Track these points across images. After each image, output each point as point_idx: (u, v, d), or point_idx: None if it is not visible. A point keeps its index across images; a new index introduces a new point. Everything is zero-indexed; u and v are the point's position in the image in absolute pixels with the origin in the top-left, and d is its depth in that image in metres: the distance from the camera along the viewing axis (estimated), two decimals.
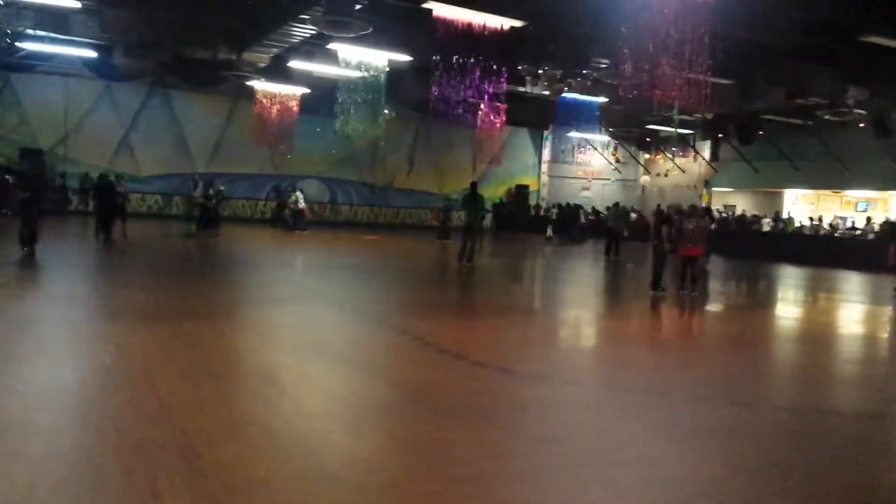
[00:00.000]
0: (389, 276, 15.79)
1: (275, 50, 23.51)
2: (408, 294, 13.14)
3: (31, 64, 25.15)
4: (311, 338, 8.37)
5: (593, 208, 35.89)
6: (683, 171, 34.99)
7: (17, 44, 21.47)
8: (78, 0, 17.77)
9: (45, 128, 27.13)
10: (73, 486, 3.88)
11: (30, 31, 20.20)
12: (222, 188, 24.60)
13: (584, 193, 38.31)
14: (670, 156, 35.06)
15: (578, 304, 13.47)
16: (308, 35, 21.17)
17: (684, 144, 33.98)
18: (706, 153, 34.65)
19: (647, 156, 37.68)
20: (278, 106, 26.76)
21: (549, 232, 31.25)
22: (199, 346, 7.44)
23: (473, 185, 18.42)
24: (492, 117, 25.93)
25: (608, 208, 27.08)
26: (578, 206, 35.19)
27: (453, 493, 4.07)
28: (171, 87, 28.69)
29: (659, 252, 13.30)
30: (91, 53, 23.13)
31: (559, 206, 35.89)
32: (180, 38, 22.10)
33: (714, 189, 34.74)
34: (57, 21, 20.35)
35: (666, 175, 36.36)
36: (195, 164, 30.13)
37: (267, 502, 3.81)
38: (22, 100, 26.90)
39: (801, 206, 32.31)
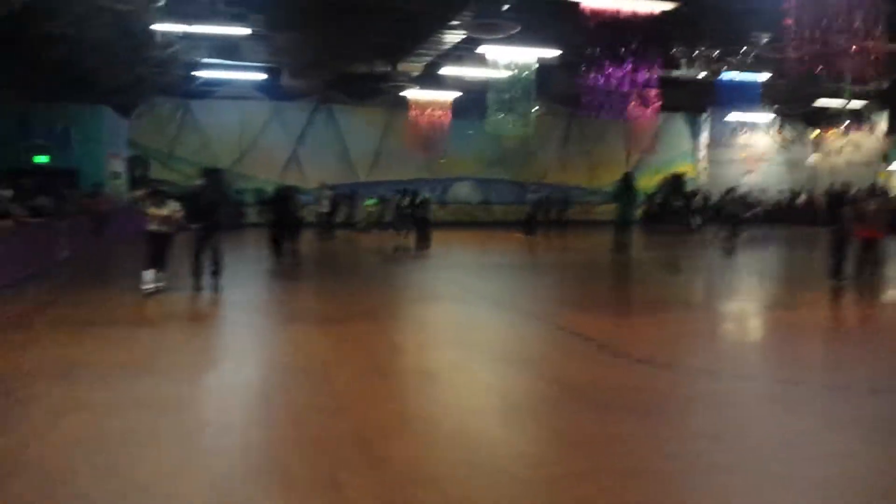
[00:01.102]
0: (544, 272, 15.84)
1: (427, 58, 24.19)
2: (563, 290, 13.16)
3: (208, 90, 27.40)
4: (472, 335, 8.63)
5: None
6: (857, 148, 32.41)
7: (195, 73, 23.54)
8: (246, 27, 19.18)
9: (223, 148, 29.44)
10: (264, 478, 4.27)
11: (205, 60, 22.07)
12: (428, 196, 22.47)
13: (749, 177, 36.38)
14: (842, 132, 32.57)
15: (745, 295, 12.92)
16: (458, 40, 21.64)
17: (858, 118, 31.45)
18: (883, 126, 31.91)
19: (816, 133, 35.23)
20: (431, 112, 27.56)
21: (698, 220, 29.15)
22: (367, 345, 7.90)
23: (627, 175, 18.05)
24: (645, 106, 25.29)
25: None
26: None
27: (625, 489, 4.06)
28: (334, 103, 30.30)
29: (839, 237, 12.36)
30: (261, 76, 24.94)
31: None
32: (340, 56, 23.27)
33: (894, 166, 31.95)
34: (228, 48, 22.08)
35: (838, 153, 33.85)
36: (357, 173, 31.57)
37: (438, 495, 3.99)
38: (201, 124, 29.35)
39: None
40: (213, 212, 11.28)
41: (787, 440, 4.96)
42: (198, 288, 11.06)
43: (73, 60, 18.17)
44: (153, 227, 10.84)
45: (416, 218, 18.80)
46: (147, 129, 27.97)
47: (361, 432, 4.96)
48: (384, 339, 8.42)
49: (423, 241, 18.73)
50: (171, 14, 17.32)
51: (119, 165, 25.08)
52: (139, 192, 14.29)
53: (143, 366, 6.78)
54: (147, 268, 10.71)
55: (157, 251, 10.84)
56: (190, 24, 18.04)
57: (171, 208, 10.91)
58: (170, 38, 19.12)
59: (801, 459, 4.57)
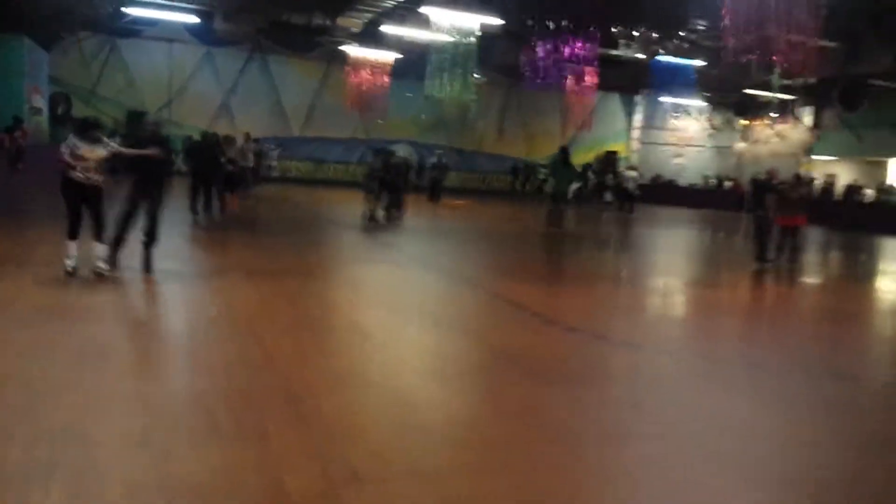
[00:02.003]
0: (479, 240, 15.89)
1: (368, 15, 23.76)
2: (498, 258, 13.21)
3: (137, 29, 26.21)
4: (407, 298, 8.57)
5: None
6: (783, 139, 33.57)
7: (123, 9, 22.44)
8: None
9: (150, 91, 28.31)
10: (188, 428, 4.14)
11: None
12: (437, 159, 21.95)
13: (678, 160, 37.31)
14: (769, 122, 33.65)
15: (671, 272, 13.25)
16: None
17: (784, 110, 32.53)
18: (807, 120, 33.12)
19: (744, 122, 36.30)
20: (370, 71, 27.10)
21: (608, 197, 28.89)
22: (298, 302, 7.76)
23: (564, 149, 18.15)
24: (583, 82, 25.49)
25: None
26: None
27: (549, 454, 4.11)
28: (269, 52, 29.44)
29: (762, 222, 12.84)
30: (193, 19, 23.97)
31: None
32: (277, 3, 22.58)
33: (815, 157, 33.23)
34: None
35: (765, 142, 34.98)
36: (291, 127, 30.91)
37: (367, 450, 3.96)
38: (128, 64, 28.12)
39: None
40: (158, 161, 8.45)
41: (704, 412, 5.08)
42: (113, 262, 8.27)
43: None
44: (78, 175, 7.69)
45: (387, 182, 16.72)
46: (70, 65, 26.65)
47: (291, 387, 4.87)
48: (317, 296, 8.28)
49: (395, 209, 17.34)
50: None
51: (40, 101, 23.83)
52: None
53: (66, 310, 6.46)
54: (71, 236, 7.79)
55: (84, 210, 7.90)
56: None
57: (106, 149, 7.92)
58: None
59: (716, 430, 4.68)
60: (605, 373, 5.96)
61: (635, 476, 3.97)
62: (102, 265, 7.88)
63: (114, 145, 8.19)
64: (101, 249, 7.91)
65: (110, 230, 8.12)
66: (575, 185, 22.37)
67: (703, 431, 4.67)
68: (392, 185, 16.83)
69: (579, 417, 4.77)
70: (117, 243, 8.32)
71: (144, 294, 7.87)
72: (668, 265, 14.37)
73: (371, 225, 15.64)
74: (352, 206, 18.26)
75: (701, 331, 8.24)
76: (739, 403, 5.32)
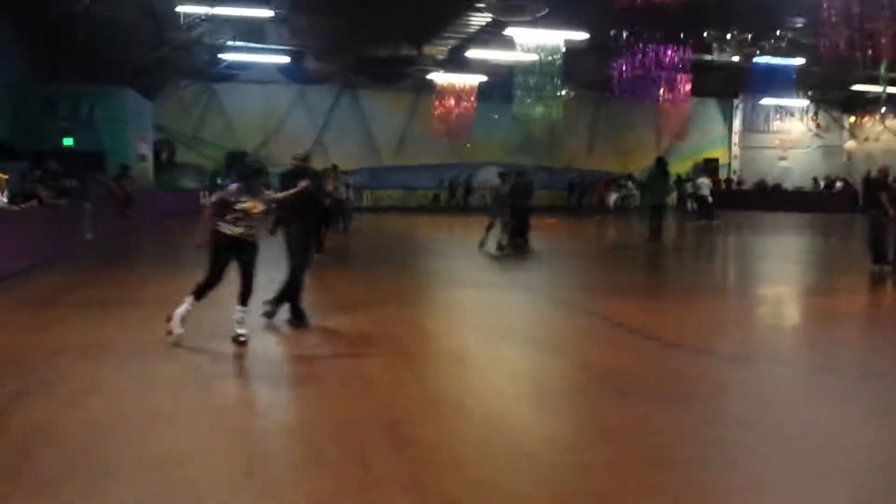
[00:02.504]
0: (572, 258, 15.57)
1: (452, 42, 23.99)
2: (594, 275, 12.91)
3: (233, 74, 27.39)
4: (501, 321, 8.43)
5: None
6: (895, 134, 31.67)
7: (220, 55, 23.51)
8: (269, 9, 19.05)
9: (247, 132, 29.46)
10: (293, 458, 4.18)
11: (230, 43, 22.01)
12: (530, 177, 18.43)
13: (782, 163, 35.74)
14: (879, 118, 31.80)
15: (781, 281, 12.58)
16: (484, 23, 21.38)
17: (895, 104, 30.68)
18: None
19: (852, 119, 34.50)
20: (457, 96, 27.33)
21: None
22: (394, 327, 7.75)
23: (661, 160, 17.64)
24: (675, 90, 24.86)
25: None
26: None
27: (653, 477, 3.91)
28: (358, 87, 30.18)
29: (877, 222, 12.03)
30: (285, 59, 24.87)
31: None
32: (364, 38, 23.12)
33: None
34: (252, 32, 22.02)
35: (875, 139, 33.10)
36: (382, 158, 31.48)
37: (467, 477, 3.87)
38: (226, 107, 29.38)
39: None
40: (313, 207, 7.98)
41: (821, 428, 4.75)
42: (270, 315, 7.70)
43: (98, 41, 18.19)
44: (235, 229, 6.59)
45: (515, 207, 14.82)
46: (172, 112, 28.06)
47: (389, 415, 4.85)
48: (410, 323, 8.25)
49: (521, 236, 15.16)
50: None
51: (145, 148, 25.15)
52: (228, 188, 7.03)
53: (165, 345, 6.67)
54: (199, 296, 6.73)
55: (242, 274, 6.76)
56: (213, 5, 17.96)
57: (266, 199, 6.86)
58: (193, 20, 19.06)
59: (837, 448, 4.38)
60: (711, 388, 5.65)
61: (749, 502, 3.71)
62: (243, 330, 6.70)
63: (272, 194, 7.04)
64: (243, 313, 6.73)
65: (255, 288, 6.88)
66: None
67: (820, 449, 4.38)
68: (520, 209, 15.01)
69: (684, 438, 4.54)
70: (281, 302, 7.55)
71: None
72: (778, 273, 13.67)
73: (497, 254, 14.29)
74: (443, 231, 18.26)
75: (815, 341, 7.76)
76: (858, 417, 4.98)
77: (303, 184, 7.17)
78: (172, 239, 18.44)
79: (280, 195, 7.17)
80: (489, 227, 14.81)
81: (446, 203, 32.60)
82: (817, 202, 30.87)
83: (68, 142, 20.53)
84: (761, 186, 34.55)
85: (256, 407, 5.17)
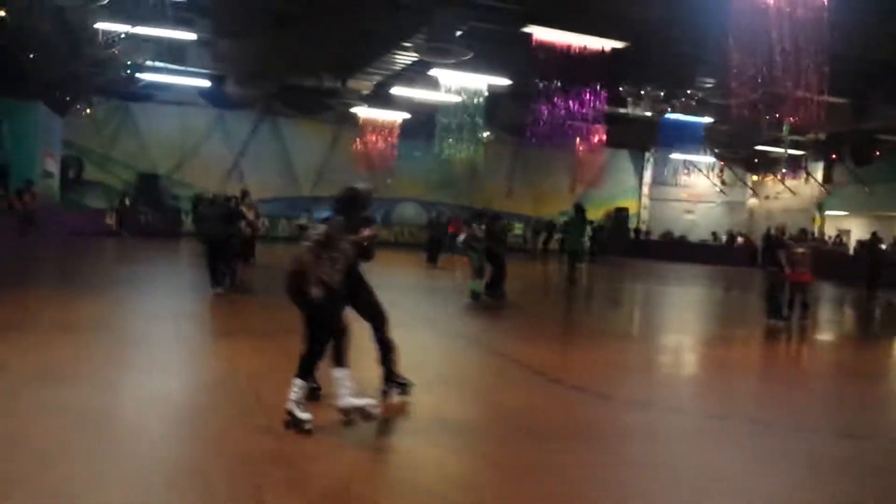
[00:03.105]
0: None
1: (377, 77, 24.15)
2: (501, 316, 13.05)
3: (150, 94, 26.68)
4: (407, 357, 8.39)
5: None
6: (794, 194, 33.55)
7: (137, 75, 22.91)
8: (193, 32, 18.76)
9: (161, 154, 28.72)
10: (184, 491, 4.06)
11: (149, 63, 21.50)
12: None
13: (688, 216, 37.27)
14: (780, 178, 33.68)
15: (681, 330, 13.04)
16: (410, 62, 21.63)
17: (795, 166, 32.57)
18: (818, 175, 33.12)
19: (755, 177, 36.38)
20: (380, 131, 27.48)
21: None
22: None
23: (579, 206, 18.09)
24: (591, 140, 25.68)
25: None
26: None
27: None
28: (280, 115, 29.91)
29: (774, 278, 12.66)
30: (205, 83, 24.45)
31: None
32: (288, 67, 23.01)
33: (827, 213, 33.13)
34: (173, 53, 21.59)
35: (776, 198, 34.97)
36: (300, 188, 31.18)
37: None
38: (140, 128, 28.58)
39: None
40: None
41: (713, 472, 4.94)
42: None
43: (9, 52, 17.46)
44: (335, 278, 5.32)
45: (491, 253, 13.49)
46: (83, 129, 27.07)
47: (288, 450, 4.76)
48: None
49: (499, 286, 13.60)
50: (115, 13, 16.81)
51: (52, 164, 24.18)
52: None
53: (65, 373, 6.39)
54: (339, 361, 5.49)
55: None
56: (134, 24, 17.54)
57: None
58: (112, 38, 18.57)
59: (725, 492, 4.56)
60: (610, 431, 5.80)
61: None
62: (365, 402, 5.33)
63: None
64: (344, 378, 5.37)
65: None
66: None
67: (710, 491, 4.55)
68: (495, 255, 13.55)
69: (581, 478, 4.64)
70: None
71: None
72: (679, 322, 14.18)
73: (471, 304, 13.32)
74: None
75: (710, 389, 8.06)
76: (747, 462, 5.17)
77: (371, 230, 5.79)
78: (75, 259, 17.73)
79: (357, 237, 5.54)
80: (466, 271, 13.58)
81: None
82: (719, 255, 32.26)
83: None
84: (668, 237, 35.90)
85: (152, 440, 4.95)
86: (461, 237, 15.04)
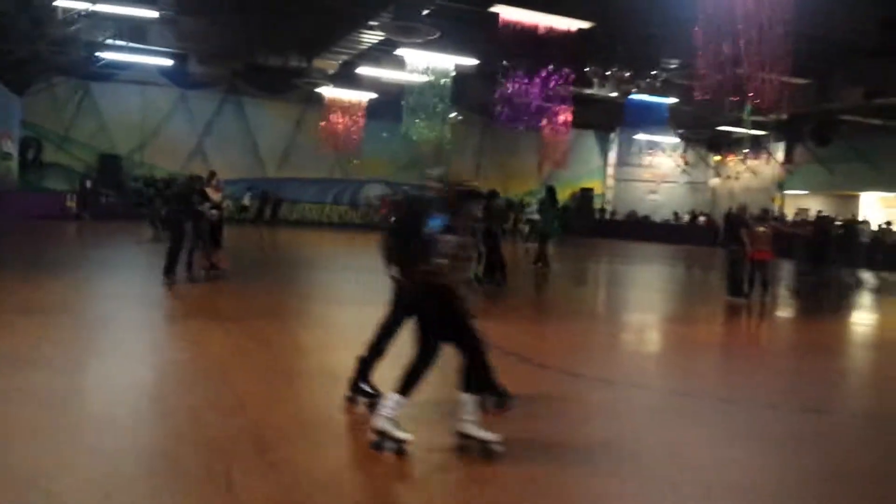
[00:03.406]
0: None
1: (344, 57, 23.91)
2: (475, 297, 13.11)
3: (110, 73, 26.17)
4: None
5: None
6: (755, 174, 34.06)
7: (98, 54, 22.43)
8: (155, 10, 18.40)
9: (122, 134, 28.19)
10: (154, 477, 4.04)
11: (109, 41, 21.05)
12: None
13: (652, 196, 37.68)
14: (742, 158, 34.15)
15: (646, 309, 13.24)
16: (376, 41, 21.46)
17: (757, 146, 33.06)
18: (780, 155, 33.66)
19: (717, 158, 36.85)
20: (346, 111, 27.26)
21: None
22: (271, 344, 7.62)
23: (551, 188, 18.13)
24: (557, 121, 25.75)
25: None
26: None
27: (521, 490, 4.09)
28: (244, 95, 29.52)
29: (737, 257, 12.91)
30: (167, 62, 24.01)
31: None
32: (252, 46, 22.69)
33: (787, 192, 33.73)
34: (134, 31, 21.16)
35: (737, 178, 35.48)
36: (266, 169, 30.86)
37: (339, 498, 3.90)
38: (101, 108, 28.01)
39: (879, 209, 31.02)
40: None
41: (677, 448, 5.05)
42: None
43: None
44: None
45: (490, 234, 12.74)
46: (42, 110, 26.48)
47: (260, 433, 4.76)
48: (287, 339, 8.15)
49: (500, 270, 13.09)
50: None
51: (10, 146, 23.62)
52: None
53: (28, 357, 6.31)
54: (485, 385, 5.28)
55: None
56: (95, 2, 17.15)
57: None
58: (72, 16, 18.13)
59: (685, 468, 4.66)
60: (576, 410, 5.88)
61: None
62: (491, 437, 4.60)
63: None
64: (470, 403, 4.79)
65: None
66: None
67: (665, 466, 4.67)
68: (493, 236, 12.83)
69: (545, 454, 4.71)
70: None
71: None
72: (643, 301, 14.38)
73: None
74: (329, 246, 18.06)
75: (674, 366, 8.23)
76: (708, 438, 5.31)
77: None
78: (36, 242, 17.39)
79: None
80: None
81: (255, 217, 29.56)
82: (682, 234, 32.70)
83: None
84: (632, 217, 36.28)
85: (118, 424, 4.89)
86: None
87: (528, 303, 13.12)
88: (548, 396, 6.13)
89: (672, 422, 5.76)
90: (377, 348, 5.64)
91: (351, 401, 5.47)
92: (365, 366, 5.59)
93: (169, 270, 10.96)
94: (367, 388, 5.50)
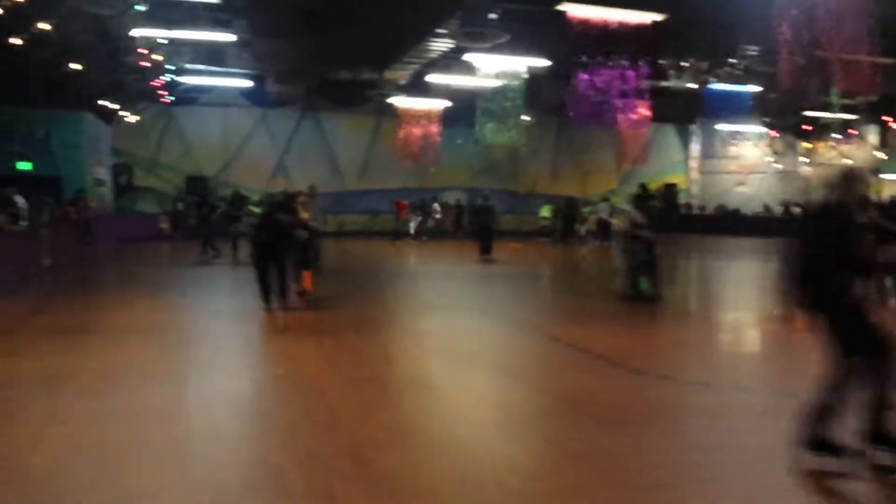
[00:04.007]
0: (539, 283, 15.64)
1: (414, 66, 24.08)
2: (560, 301, 12.96)
3: (193, 97, 27.15)
4: (466, 347, 8.39)
5: None
6: (849, 160, 32.54)
7: (179, 79, 23.29)
8: (231, 33, 18.95)
9: (207, 156, 29.17)
10: (258, 491, 4.09)
11: (189, 66, 21.83)
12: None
13: (740, 188, 36.42)
14: (832, 144, 32.70)
15: (743, 306, 12.79)
16: (446, 49, 21.52)
17: (847, 130, 31.59)
18: (872, 139, 32.07)
19: (807, 145, 35.41)
20: (420, 121, 27.47)
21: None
22: (361, 355, 7.70)
23: (645, 186, 17.46)
24: (635, 116, 25.27)
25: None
26: None
27: (623, 501, 3.97)
28: (320, 110, 30.12)
29: None
30: (246, 83, 24.75)
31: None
32: (325, 62, 23.12)
33: (884, 176, 32.07)
34: (213, 55, 21.86)
35: (829, 164, 34.01)
36: (346, 182, 31.37)
37: None
38: (185, 131, 29.07)
39: None
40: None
41: (781, 450, 4.77)
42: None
43: (54, 65, 17.88)
44: None
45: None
46: (130, 136, 27.65)
47: (357, 445, 4.80)
48: (377, 350, 8.20)
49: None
50: (153, 19, 17.04)
51: (103, 172, 24.76)
52: None
53: (127, 375, 6.57)
54: None
55: None
56: (172, 29, 17.77)
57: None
58: (152, 44, 18.86)
59: (796, 470, 4.45)
60: (673, 415, 5.72)
61: None
62: None
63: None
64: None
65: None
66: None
67: (780, 470, 4.43)
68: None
69: (649, 461, 4.59)
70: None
71: None
72: (739, 298, 13.89)
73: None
74: (406, 256, 18.13)
75: (774, 366, 7.88)
76: None
77: None
78: (131, 264, 18.14)
79: None
80: None
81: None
82: (776, 227, 31.41)
83: (24, 166, 20.10)
84: (721, 211, 35.16)
85: (221, 439, 5.03)
86: None
87: (611, 305, 12.80)
88: (644, 403, 5.96)
89: (778, 424, 5.47)
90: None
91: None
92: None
93: (264, 298, 10.24)
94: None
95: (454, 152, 30.55)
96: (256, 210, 14.66)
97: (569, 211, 27.81)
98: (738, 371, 7.47)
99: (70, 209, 18.73)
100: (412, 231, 26.95)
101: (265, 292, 10.20)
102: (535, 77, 22.98)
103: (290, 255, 10.75)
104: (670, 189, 35.82)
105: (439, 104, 27.03)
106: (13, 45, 15.11)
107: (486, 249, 18.56)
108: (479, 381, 6.69)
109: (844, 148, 32.22)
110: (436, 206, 27.75)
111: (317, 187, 13.56)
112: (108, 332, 8.74)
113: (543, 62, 21.54)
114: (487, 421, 5.49)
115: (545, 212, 26.95)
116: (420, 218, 27.35)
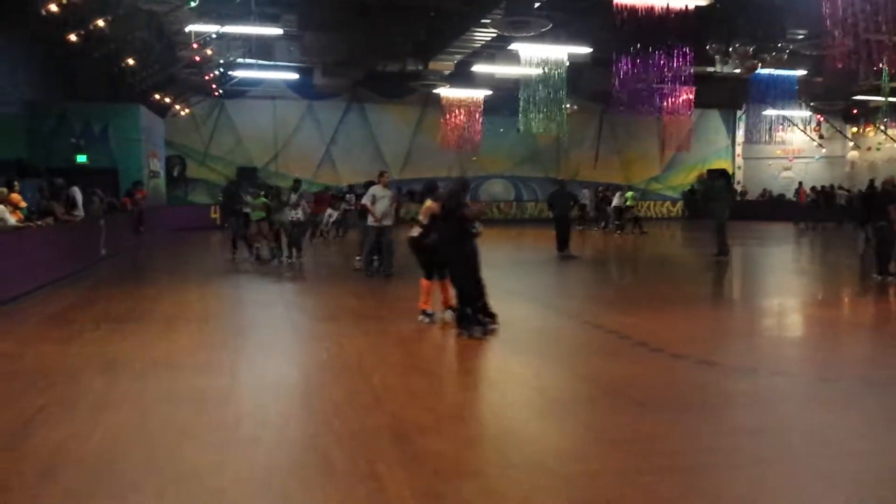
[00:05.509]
0: (582, 269, 15.71)
1: (458, 56, 24.23)
2: (602, 287, 13.05)
3: (243, 90, 27.76)
4: (508, 332, 8.54)
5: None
6: None
7: (230, 72, 23.85)
8: (280, 27, 19.41)
9: (257, 147, 29.78)
10: (303, 470, 4.30)
11: (239, 60, 22.35)
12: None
13: (786, 174, 35.83)
14: (882, 127, 31.90)
15: (782, 291, 12.73)
16: (489, 38, 21.65)
17: None
18: None
19: (854, 129, 34.61)
20: (463, 110, 27.65)
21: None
22: (405, 342, 7.94)
23: (724, 173, 17.25)
24: (678, 102, 25.08)
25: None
26: None
27: (664, 486, 4.02)
28: (366, 101, 30.53)
29: (884, 233, 12.12)
30: (294, 76, 25.25)
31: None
32: (371, 54, 23.41)
33: None
34: (262, 48, 22.35)
35: (878, 149, 33.21)
36: (390, 171, 31.67)
37: (479, 488, 3.98)
38: (236, 123, 29.68)
39: None
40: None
41: (824, 436, 4.89)
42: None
43: (111, 60, 18.50)
44: None
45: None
46: (183, 129, 28.36)
47: (401, 426, 4.97)
48: (418, 336, 8.39)
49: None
50: (204, 15, 17.54)
51: (157, 164, 25.48)
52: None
53: (185, 361, 6.89)
54: None
55: None
56: (223, 24, 18.27)
57: None
58: (204, 38, 19.38)
59: (837, 455, 4.53)
60: (715, 400, 5.78)
61: None
62: None
63: None
64: None
65: None
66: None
67: (822, 456, 4.53)
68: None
69: (690, 446, 4.68)
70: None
71: None
72: (779, 284, 13.81)
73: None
74: None
75: (817, 351, 7.89)
76: (860, 425, 5.10)
77: None
78: (185, 253, 18.71)
79: None
80: None
81: None
82: (821, 212, 30.80)
83: (82, 159, 20.82)
84: (765, 196, 34.65)
85: (268, 420, 5.20)
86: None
87: (654, 291, 12.87)
88: (685, 388, 6.04)
89: (821, 409, 5.56)
90: None
91: None
92: None
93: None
94: None
95: (496, 141, 30.70)
96: (294, 197, 15.00)
97: (603, 197, 27.72)
98: (776, 356, 7.49)
99: (127, 200, 19.40)
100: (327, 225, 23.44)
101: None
102: (577, 64, 22.98)
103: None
104: (721, 175, 35.34)
105: (482, 93, 27.18)
106: (71, 43, 15.69)
107: (563, 244, 16.72)
108: (520, 366, 6.86)
109: (893, 132, 31.42)
110: (349, 196, 24.23)
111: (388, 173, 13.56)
112: (161, 319, 9.09)
113: (586, 49, 21.54)
114: (529, 405, 5.62)
115: (629, 200, 26.15)
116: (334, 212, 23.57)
